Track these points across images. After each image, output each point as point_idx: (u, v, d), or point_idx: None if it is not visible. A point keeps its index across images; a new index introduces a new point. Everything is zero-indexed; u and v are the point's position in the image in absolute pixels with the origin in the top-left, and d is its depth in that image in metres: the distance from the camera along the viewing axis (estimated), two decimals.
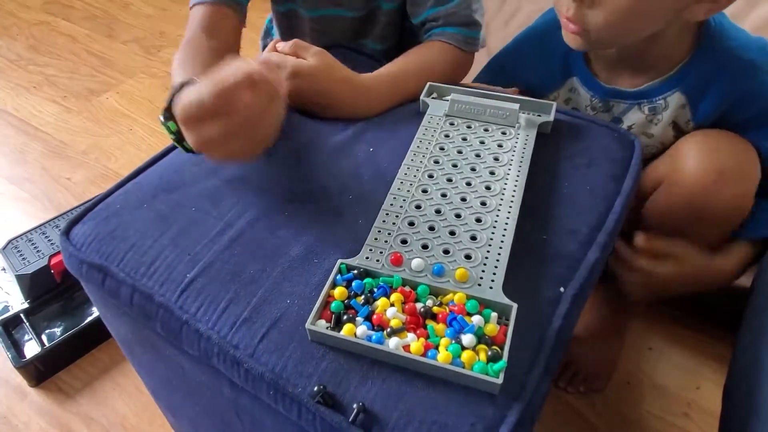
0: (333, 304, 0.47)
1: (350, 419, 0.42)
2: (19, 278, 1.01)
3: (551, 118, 0.66)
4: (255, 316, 0.49)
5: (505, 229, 0.54)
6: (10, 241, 1.06)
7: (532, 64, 0.86)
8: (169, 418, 0.85)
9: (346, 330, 0.45)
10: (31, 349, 0.99)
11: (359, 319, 0.46)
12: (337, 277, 0.49)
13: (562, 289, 0.51)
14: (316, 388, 0.44)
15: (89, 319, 1.02)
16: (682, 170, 0.75)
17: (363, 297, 0.48)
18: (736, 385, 0.67)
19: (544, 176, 0.61)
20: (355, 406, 0.42)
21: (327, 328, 0.46)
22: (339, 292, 0.48)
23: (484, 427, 0.42)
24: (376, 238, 0.53)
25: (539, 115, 0.67)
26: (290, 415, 0.45)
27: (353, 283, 0.48)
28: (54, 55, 1.84)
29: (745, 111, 0.74)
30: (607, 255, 0.58)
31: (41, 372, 0.98)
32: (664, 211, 0.79)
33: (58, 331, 1.02)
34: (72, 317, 1.04)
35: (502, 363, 0.43)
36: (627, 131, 0.68)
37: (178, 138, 0.56)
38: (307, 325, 0.45)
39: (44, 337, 1.00)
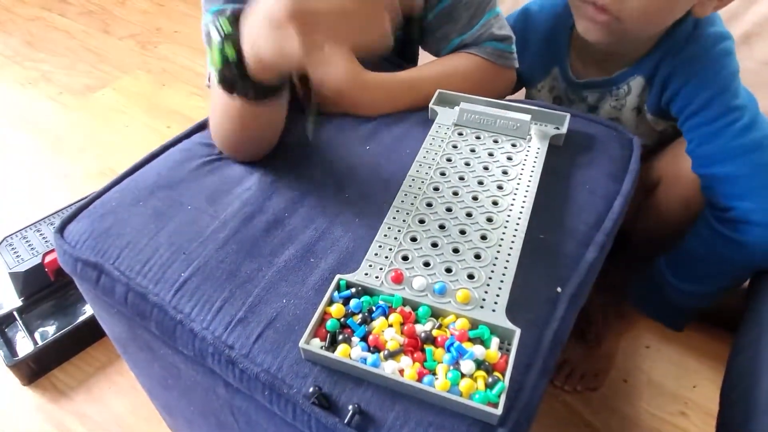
0: (329, 323, 0.45)
1: (345, 421, 0.42)
2: (13, 276, 1.00)
3: (564, 130, 0.64)
4: (250, 315, 0.49)
5: (510, 248, 0.52)
6: (4, 238, 1.06)
7: (523, 51, 0.86)
8: (165, 416, 0.85)
9: (341, 351, 0.44)
10: (24, 347, 0.98)
11: (355, 339, 0.45)
12: (335, 294, 0.48)
13: (558, 290, 0.51)
14: (311, 389, 0.43)
15: (82, 318, 1.01)
16: (681, 169, 0.75)
17: (360, 316, 0.46)
18: (733, 384, 0.67)
19: (543, 174, 0.60)
20: (350, 407, 0.42)
21: (321, 347, 0.44)
22: (336, 310, 0.46)
23: (481, 428, 0.42)
24: (376, 253, 0.51)
25: (554, 127, 0.64)
26: (285, 416, 0.45)
27: (351, 302, 0.47)
28: (50, 51, 1.83)
29: (687, 97, 0.73)
30: (605, 255, 0.58)
31: (34, 371, 0.98)
32: (662, 209, 0.79)
33: (51, 329, 1.01)
34: (65, 316, 1.03)
35: (502, 386, 0.41)
36: (625, 130, 0.68)
37: (237, 64, 0.50)
38: (301, 344, 0.44)
39: (37, 336, 1.00)
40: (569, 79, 0.84)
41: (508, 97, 0.81)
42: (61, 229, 0.58)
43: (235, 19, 0.50)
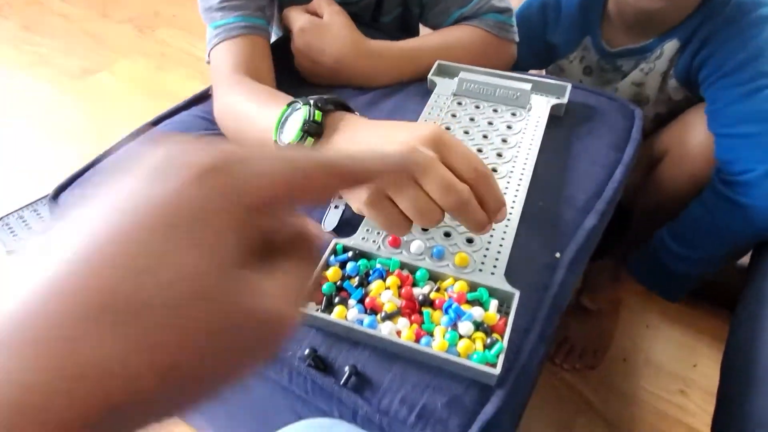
0: (325, 286, 0.45)
1: (342, 382, 0.41)
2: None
3: (565, 100, 0.63)
4: None
5: (510, 213, 0.51)
6: (1, 218, 1.05)
7: (555, 23, 0.86)
8: None
9: (337, 313, 0.43)
10: None
11: (351, 301, 0.44)
12: (331, 258, 0.47)
13: (557, 255, 0.50)
14: (306, 351, 0.43)
15: None
16: (689, 141, 0.75)
17: (357, 279, 0.45)
18: (733, 359, 0.67)
19: (543, 143, 0.60)
20: (346, 368, 0.42)
21: (317, 310, 0.44)
22: (332, 273, 0.46)
23: (479, 389, 0.41)
24: None
25: (555, 97, 0.64)
26: (281, 380, 0.45)
27: (347, 266, 0.46)
28: (48, 35, 1.82)
29: (720, 58, 0.73)
30: (605, 224, 0.57)
31: None
32: (667, 182, 0.79)
33: None
34: None
35: (500, 346, 0.41)
36: (627, 101, 0.67)
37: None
38: None
39: None
40: (602, 49, 0.84)
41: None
42: (55, 196, 0.58)
43: (328, 109, 0.49)
